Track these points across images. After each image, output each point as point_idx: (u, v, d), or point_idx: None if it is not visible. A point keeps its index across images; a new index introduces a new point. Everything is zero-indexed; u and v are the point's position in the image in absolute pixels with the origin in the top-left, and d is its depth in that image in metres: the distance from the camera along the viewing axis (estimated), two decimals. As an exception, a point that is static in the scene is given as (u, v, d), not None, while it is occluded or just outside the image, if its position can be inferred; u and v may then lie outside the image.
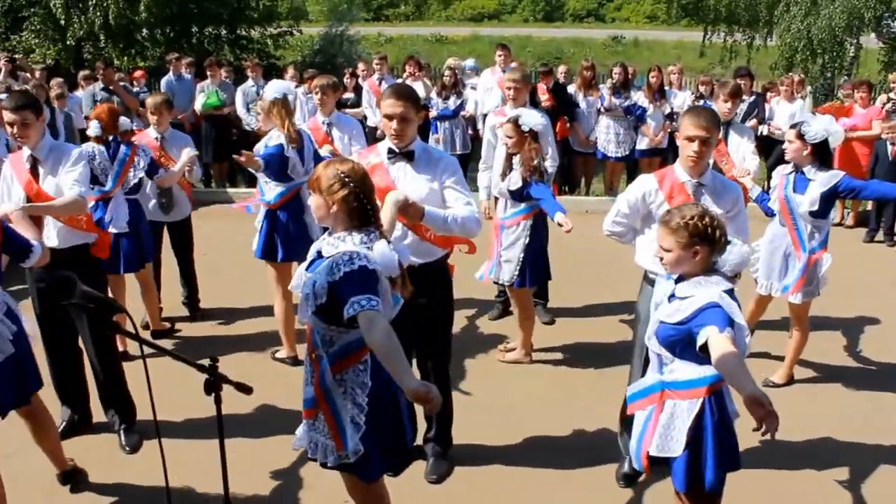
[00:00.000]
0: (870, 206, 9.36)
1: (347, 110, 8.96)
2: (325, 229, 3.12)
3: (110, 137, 5.46)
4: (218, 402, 2.79)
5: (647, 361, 3.52)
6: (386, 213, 3.31)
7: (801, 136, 4.99)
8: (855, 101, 9.75)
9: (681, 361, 3.14)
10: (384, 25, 33.88)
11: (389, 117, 3.78)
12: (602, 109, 10.23)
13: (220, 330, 6.37)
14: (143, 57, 16.86)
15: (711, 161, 4.23)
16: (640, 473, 3.99)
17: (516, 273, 5.42)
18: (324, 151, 5.62)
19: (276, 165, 5.35)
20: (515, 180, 5.30)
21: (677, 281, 3.19)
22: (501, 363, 5.73)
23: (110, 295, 5.54)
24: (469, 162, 10.25)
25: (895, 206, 8.79)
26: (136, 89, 11.29)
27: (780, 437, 4.37)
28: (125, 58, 16.24)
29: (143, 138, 6.04)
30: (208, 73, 11.02)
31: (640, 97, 10.17)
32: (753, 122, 9.66)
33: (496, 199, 5.83)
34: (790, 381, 5.43)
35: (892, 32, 18.54)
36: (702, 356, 3.01)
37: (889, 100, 9.62)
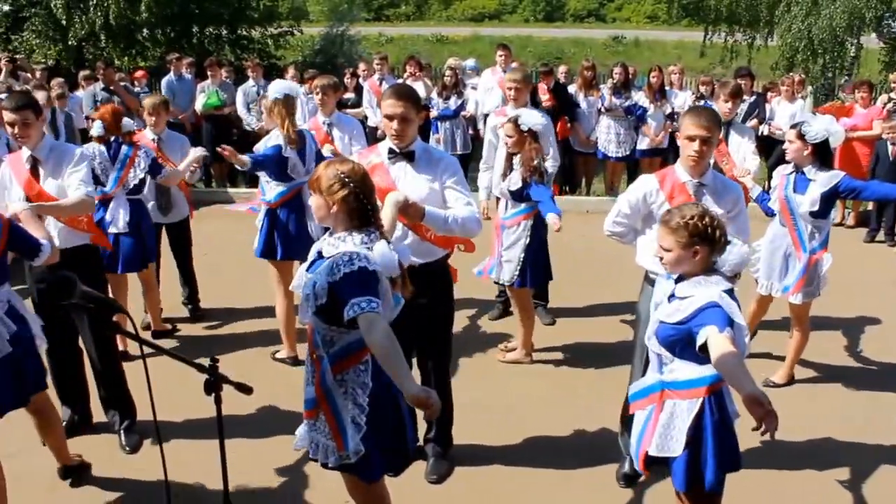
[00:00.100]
0: (870, 206, 9.36)
1: (348, 110, 8.96)
2: (327, 229, 3.12)
3: (112, 138, 5.48)
4: (218, 402, 2.80)
5: (647, 362, 3.52)
6: (386, 214, 3.31)
7: (801, 137, 4.99)
8: (856, 101, 9.75)
9: (681, 361, 3.14)
10: (385, 25, 33.89)
11: (390, 117, 3.78)
12: (602, 109, 10.23)
13: (221, 330, 6.37)
14: (144, 57, 16.86)
15: (712, 161, 4.23)
16: (640, 474, 3.99)
17: (517, 273, 5.41)
18: (326, 151, 5.62)
19: (275, 166, 5.35)
20: (515, 180, 5.30)
21: (677, 281, 3.19)
22: (501, 363, 5.73)
23: (111, 295, 5.55)
24: (469, 162, 10.25)
25: (896, 206, 8.80)
26: (137, 89, 11.30)
27: (780, 437, 4.38)
28: (126, 58, 16.23)
29: (141, 139, 6.04)
30: (209, 73, 11.02)
31: (640, 97, 10.16)
32: (754, 122, 9.65)
33: (497, 199, 5.83)
34: (791, 381, 5.43)
35: (893, 32, 18.53)
36: (701, 356, 3.01)
37: (890, 100, 9.62)
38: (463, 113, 10.25)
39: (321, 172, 2.98)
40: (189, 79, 11.37)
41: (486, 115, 10.04)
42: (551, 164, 6.03)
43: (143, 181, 5.58)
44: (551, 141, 6.15)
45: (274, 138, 5.39)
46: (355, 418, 2.96)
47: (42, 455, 4.28)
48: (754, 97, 10.08)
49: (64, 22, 14.89)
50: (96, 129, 5.48)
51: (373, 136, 9.09)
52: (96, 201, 5.28)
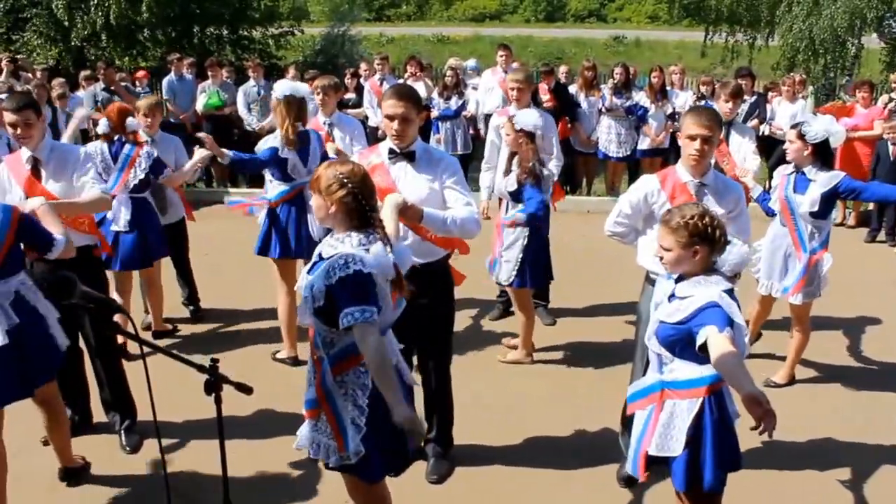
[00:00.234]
0: (871, 206, 9.35)
1: (349, 111, 8.96)
2: (330, 230, 3.13)
3: (116, 137, 5.50)
4: (218, 402, 2.80)
5: (648, 362, 3.52)
6: (388, 218, 3.30)
7: (801, 137, 4.99)
8: (856, 101, 9.74)
9: (681, 361, 3.14)
10: (386, 25, 33.89)
11: (390, 118, 3.78)
12: (603, 109, 10.23)
13: (221, 330, 6.37)
14: (145, 57, 16.86)
15: (713, 161, 4.24)
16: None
17: (514, 273, 5.43)
18: (330, 151, 5.61)
19: (275, 167, 5.38)
20: (512, 182, 5.33)
21: (677, 281, 3.19)
22: (502, 363, 5.73)
23: (113, 294, 5.56)
24: (470, 162, 10.26)
25: (896, 206, 8.79)
26: (138, 89, 11.30)
27: (781, 437, 4.39)
28: (127, 58, 16.24)
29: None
30: (209, 73, 11.03)
31: (641, 97, 10.16)
32: (754, 122, 9.65)
33: (500, 199, 5.83)
34: (791, 381, 5.43)
35: (894, 32, 18.52)
36: (701, 356, 3.01)
37: (891, 100, 9.62)
38: (464, 113, 10.25)
39: (321, 173, 2.99)
40: (190, 79, 11.37)
41: (486, 116, 10.08)
42: (555, 165, 6.04)
43: (149, 180, 5.57)
44: (554, 141, 6.16)
45: (272, 139, 5.40)
46: (355, 419, 2.96)
47: (42, 455, 4.28)
48: (755, 97, 10.07)
49: (66, 23, 14.89)
50: (102, 126, 5.54)
51: (373, 137, 9.09)
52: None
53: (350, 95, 10.63)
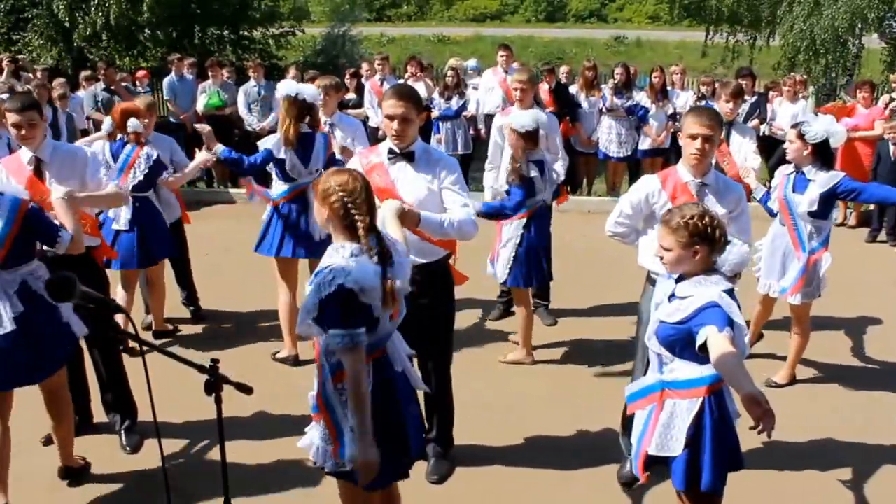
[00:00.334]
0: (872, 206, 9.34)
1: (349, 111, 8.96)
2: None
3: (119, 136, 5.52)
4: (218, 402, 2.79)
5: (649, 362, 3.52)
6: (392, 227, 3.31)
7: (801, 137, 4.99)
8: (857, 102, 9.74)
9: (681, 361, 3.14)
10: (386, 26, 33.88)
11: (390, 118, 3.78)
12: (604, 110, 10.22)
13: (221, 330, 6.37)
14: (146, 57, 16.86)
15: (714, 161, 4.23)
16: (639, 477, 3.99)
17: (507, 272, 5.48)
18: (336, 150, 5.60)
19: (273, 166, 5.42)
20: (502, 181, 5.40)
21: (678, 280, 3.19)
22: (502, 363, 5.72)
23: (116, 295, 5.57)
24: (470, 162, 10.27)
25: (898, 206, 8.77)
26: (139, 90, 11.29)
27: (781, 437, 4.39)
28: (127, 58, 16.23)
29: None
30: (210, 73, 11.03)
31: (642, 97, 10.16)
32: (755, 122, 9.65)
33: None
34: (792, 381, 5.43)
35: (895, 32, 18.50)
36: (701, 356, 3.01)
37: (892, 100, 9.61)
38: (464, 113, 10.25)
39: (322, 179, 3.00)
40: (190, 79, 11.38)
41: (486, 116, 10.08)
42: (560, 165, 6.05)
43: (146, 181, 5.56)
44: (558, 141, 6.17)
45: (272, 139, 5.42)
46: (353, 428, 2.95)
47: (42, 455, 4.28)
48: (755, 97, 10.07)
49: (67, 23, 14.89)
50: (106, 124, 5.61)
51: (374, 137, 9.08)
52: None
53: (350, 96, 10.63)
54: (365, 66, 11.38)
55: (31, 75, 10.91)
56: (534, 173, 5.35)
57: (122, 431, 4.64)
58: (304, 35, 21.02)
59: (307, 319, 2.89)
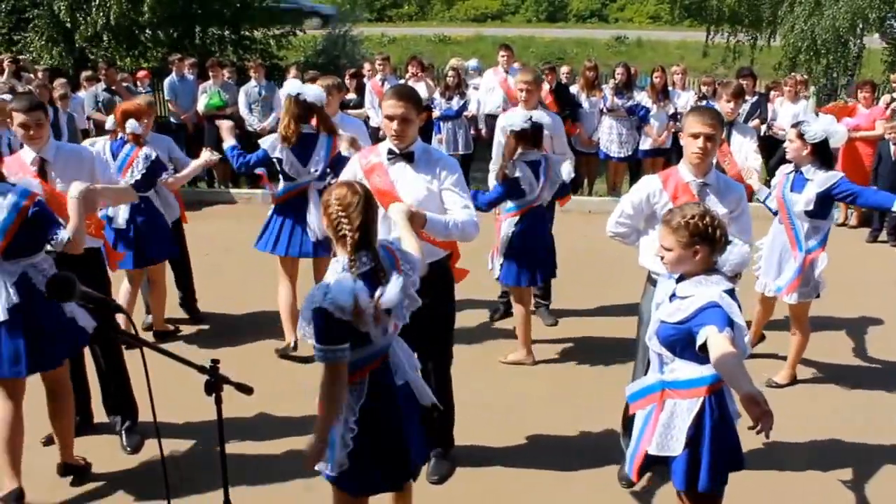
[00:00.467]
0: (873, 206, 9.34)
1: (349, 111, 8.95)
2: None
3: (119, 136, 5.54)
4: (218, 402, 2.80)
5: (649, 362, 3.52)
6: (403, 229, 3.35)
7: (800, 136, 4.99)
8: (858, 102, 9.74)
9: (681, 361, 3.14)
10: (387, 26, 33.83)
11: (390, 118, 3.77)
12: (605, 110, 10.22)
13: (221, 330, 6.36)
14: (146, 58, 16.84)
15: (715, 161, 4.24)
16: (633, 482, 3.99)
17: (499, 268, 5.55)
18: (343, 148, 5.60)
19: (268, 166, 5.50)
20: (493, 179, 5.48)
21: (678, 280, 3.19)
22: (503, 363, 5.72)
23: (118, 295, 5.57)
24: (471, 162, 10.27)
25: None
26: (139, 90, 11.29)
27: (781, 437, 4.39)
28: (128, 59, 16.22)
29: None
30: (210, 73, 11.02)
31: (642, 97, 10.16)
32: (756, 122, 9.65)
33: None
34: (793, 381, 5.43)
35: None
36: (702, 356, 3.01)
37: (893, 100, 9.60)
38: (465, 113, 10.25)
39: (328, 189, 3.05)
40: (191, 79, 11.37)
41: (487, 116, 10.08)
42: (568, 164, 6.05)
43: (144, 181, 5.56)
44: (562, 141, 6.17)
45: (272, 138, 5.46)
46: (344, 436, 2.98)
47: (42, 455, 4.28)
48: (756, 97, 10.07)
49: (68, 24, 14.89)
50: (109, 123, 5.66)
51: (375, 137, 9.08)
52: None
53: (351, 96, 10.63)
54: (367, 65, 11.38)
55: (31, 75, 10.91)
56: (519, 174, 5.35)
57: (123, 432, 4.63)
58: (305, 35, 20.99)
59: (304, 326, 2.94)
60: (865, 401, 5.26)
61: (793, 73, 12.22)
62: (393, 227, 3.72)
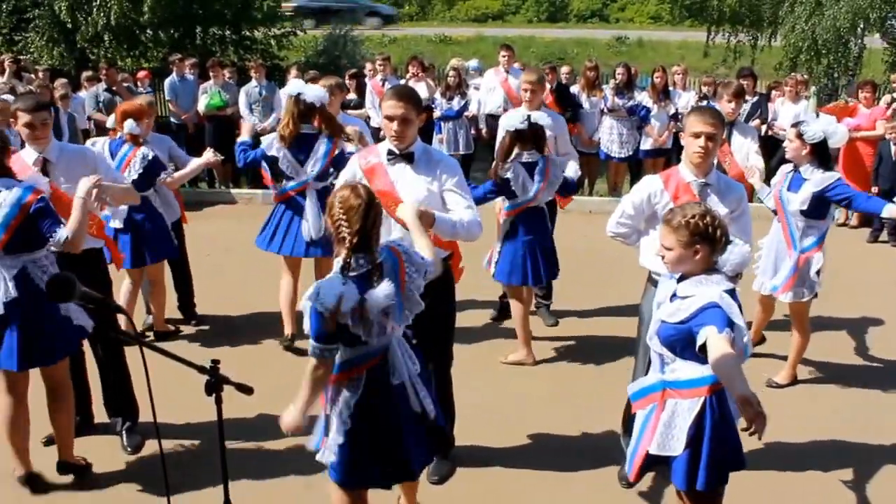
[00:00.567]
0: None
1: (350, 111, 8.96)
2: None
3: (119, 134, 5.55)
4: (219, 403, 2.80)
5: (650, 362, 3.52)
6: (415, 230, 3.39)
7: (800, 136, 4.99)
8: (859, 102, 9.73)
9: (682, 361, 3.14)
10: (388, 26, 33.85)
11: (390, 118, 3.77)
12: (605, 110, 10.22)
13: (222, 330, 6.35)
14: (147, 58, 16.84)
15: (716, 160, 4.24)
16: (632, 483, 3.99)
17: (494, 266, 5.58)
18: (350, 147, 5.61)
19: (271, 165, 5.53)
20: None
21: (679, 280, 3.19)
22: (503, 364, 5.72)
23: (119, 295, 5.57)
24: (472, 162, 10.27)
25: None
26: (140, 90, 11.29)
27: (781, 437, 4.40)
28: (129, 59, 16.22)
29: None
30: (211, 73, 11.03)
31: (643, 97, 10.15)
32: (756, 122, 9.65)
33: None
34: (793, 381, 5.42)
35: (896, 32, 18.48)
36: (702, 356, 3.01)
37: (893, 100, 9.60)
38: (466, 113, 10.25)
39: (335, 190, 3.12)
40: (192, 79, 11.37)
41: (488, 116, 10.09)
42: (574, 163, 6.04)
43: (143, 181, 5.55)
44: (565, 142, 6.16)
45: (269, 138, 5.49)
46: (338, 428, 3.09)
47: (42, 455, 4.28)
48: (757, 98, 10.07)
49: (69, 24, 14.89)
50: (110, 122, 5.71)
51: (376, 137, 9.07)
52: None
53: (351, 96, 10.63)
54: (369, 66, 11.38)
55: (32, 76, 10.92)
56: (510, 174, 5.34)
57: (123, 432, 4.63)
58: (306, 35, 21.00)
59: (306, 320, 3.02)
60: (865, 401, 5.25)
61: (793, 74, 12.21)
62: (393, 228, 3.72)
